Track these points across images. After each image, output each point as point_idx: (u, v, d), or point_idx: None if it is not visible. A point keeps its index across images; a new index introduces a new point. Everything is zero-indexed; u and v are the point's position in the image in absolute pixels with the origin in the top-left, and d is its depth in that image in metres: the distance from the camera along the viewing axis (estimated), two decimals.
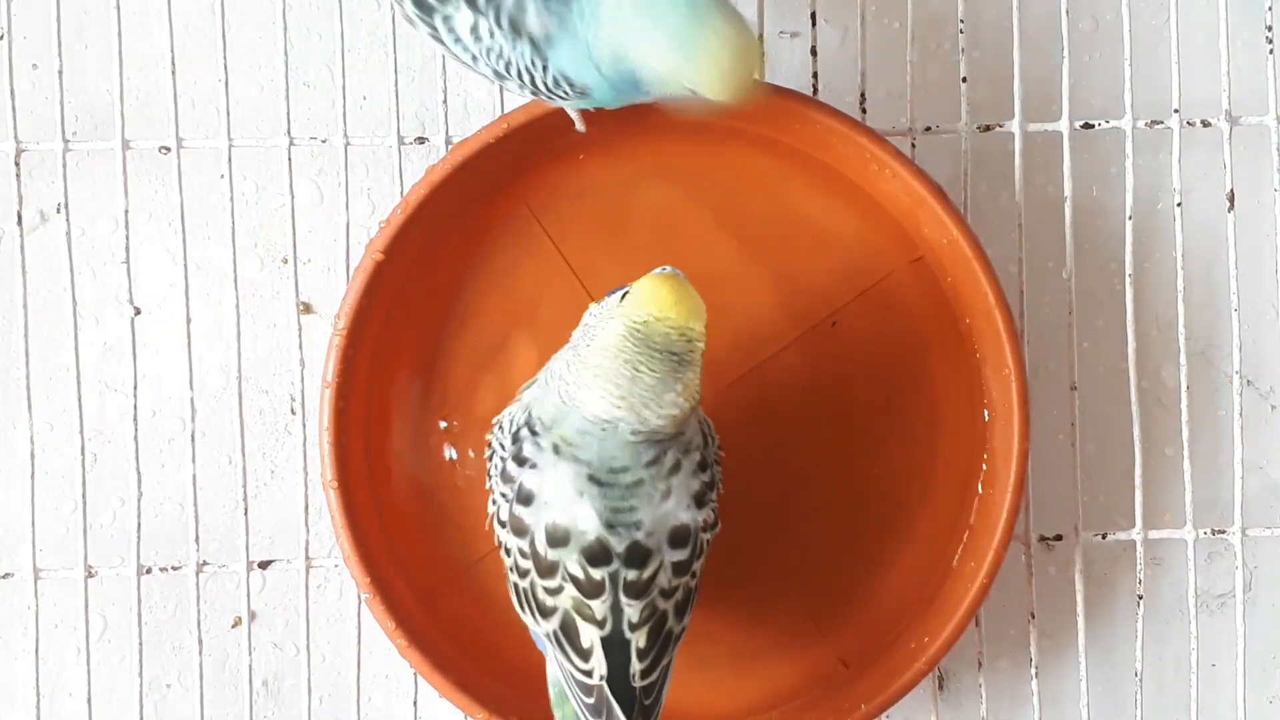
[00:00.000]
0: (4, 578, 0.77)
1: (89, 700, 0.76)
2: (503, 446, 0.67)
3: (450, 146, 0.75)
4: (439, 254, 0.75)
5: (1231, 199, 0.78)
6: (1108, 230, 0.79)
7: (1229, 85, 0.77)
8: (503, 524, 0.66)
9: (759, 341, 0.76)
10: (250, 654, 0.77)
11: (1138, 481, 0.77)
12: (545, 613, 0.66)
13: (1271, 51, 0.78)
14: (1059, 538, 0.78)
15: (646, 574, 0.64)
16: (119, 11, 0.76)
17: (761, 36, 0.78)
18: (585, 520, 0.64)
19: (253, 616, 0.79)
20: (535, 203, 0.75)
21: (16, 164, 0.77)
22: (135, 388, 0.76)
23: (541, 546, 0.65)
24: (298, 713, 0.79)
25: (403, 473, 0.76)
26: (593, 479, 0.64)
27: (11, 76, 0.76)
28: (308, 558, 0.76)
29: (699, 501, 0.66)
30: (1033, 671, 0.77)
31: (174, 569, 0.77)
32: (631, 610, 0.65)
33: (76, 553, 0.76)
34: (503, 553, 0.67)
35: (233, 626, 0.79)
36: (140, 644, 0.76)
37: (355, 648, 0.76)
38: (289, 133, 0.76)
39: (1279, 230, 0.78)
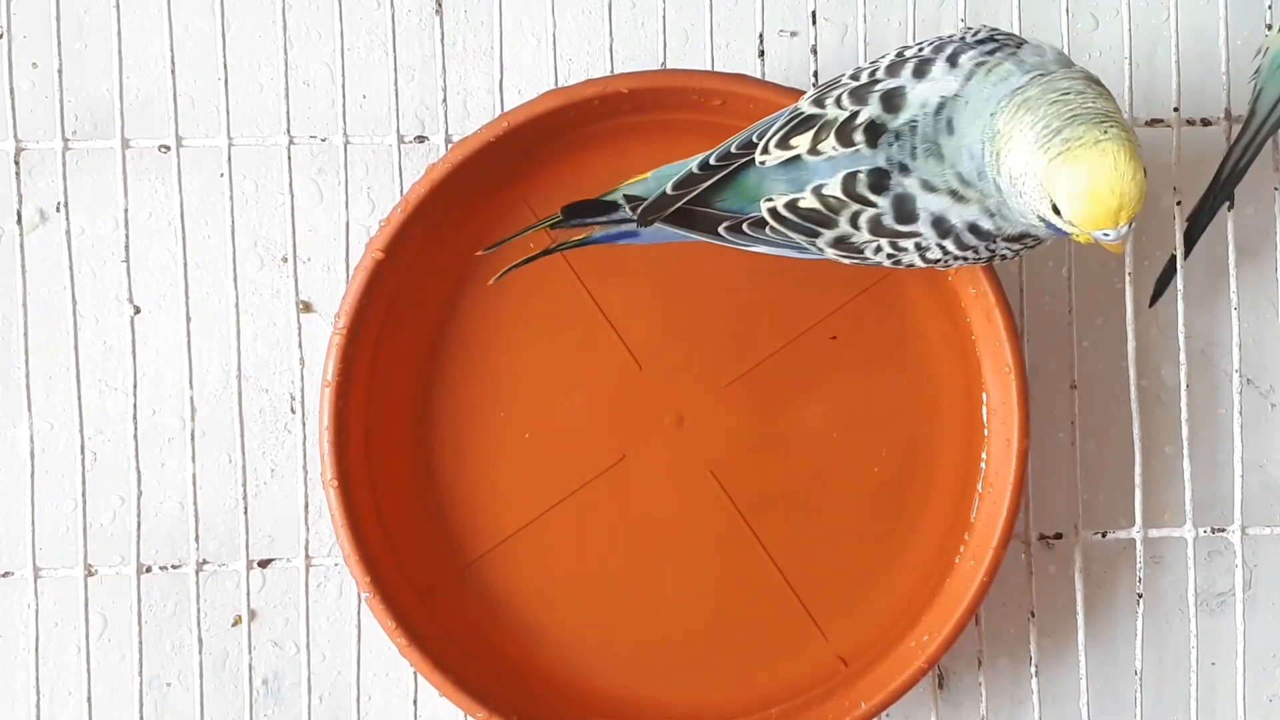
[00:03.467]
0: (4, 576, 0.77)
1: (89, 699, 0.76)
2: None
3: (450, 145, 0.75)
4: (439, 252, 0.75)
5: (1231, 197, 0.78)
6: None
7: (1229, 83, 0.77)
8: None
9: (759, 340, 0.76)
10: (250, 652, 0.77)
11: (1137, 480, 0.77)
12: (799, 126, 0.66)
13: None
14: (1059, 536, 0.78)
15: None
16: (119, 10, 0.76)
17: (762, 35, 0.78)
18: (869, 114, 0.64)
19: (253, 615, 0.79)
20: (536, 201, 0.75)
21: (16, 163, 0.76)
22: (135, 386, 0.76)
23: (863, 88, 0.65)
24: (298, 711, 0.79)
25: (403, 471, 0.76)
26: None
27: (11, 75, 0.76)
28: (307, 556, 0.76)
29: (943, 233, 0.65)
30: (1032, 670, 0.77)
31: (174, 568, 0.77)
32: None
33: (76, 551, 0.76)
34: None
35: (233, 625, 0.79)
36: (140, 643, 0.76)
37: (355, 646, 0.76)
38: (289, 131, 0.76)
39: (1278, 229, 0.78)
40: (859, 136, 0.64)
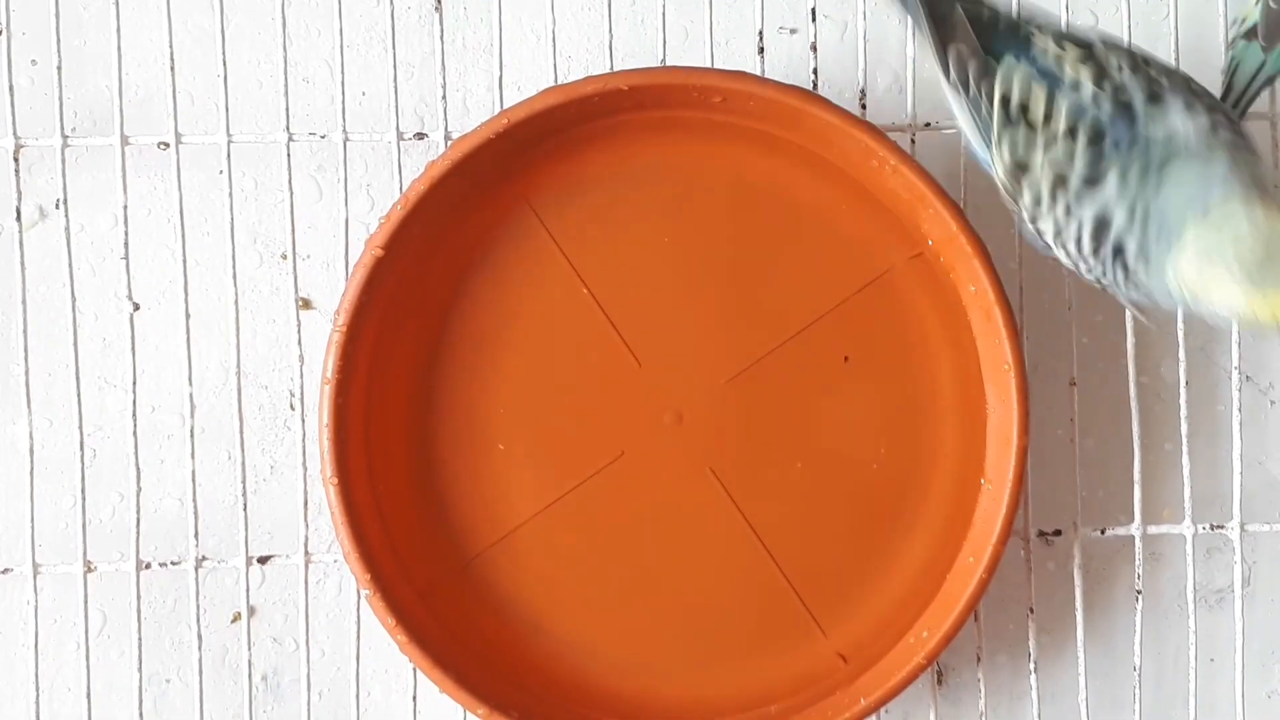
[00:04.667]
0: (3, 573, 0.77)
1: (88, 695, 0.76)
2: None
3: (450, 142, 0.75)
4: (438, 250, 0.75)
5: None
6: None
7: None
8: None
9: (759, 338, 0.76)
10: (249, 649, 0.77)
11: (1136, 477, 0.77)
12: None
13: None
14: (1058, 533, 0.78)
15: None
16: (118, 7, 0.76)
17: (761, 33, 0.78)
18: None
19: (252, 612, 0.79)
20: (535, 198, 0.75)
21: (15, 160, 0.76)
22: (134, 383, 0.76)
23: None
24: (297, 708, 0.79)
25: (403, 468, 0.76)
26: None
27: (11, 72, 0.76)
28: (307, 553, 0.76)
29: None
30: (1031, 666, 0.77)
31: (173, 564, 0.77)
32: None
33: (76, 548, 0.76)
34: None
35: (232, 622, 0.79)
36: (139, 639, 0.76)
37: (355, 643, 0.76)
38: (288, 128, 0.76)
39: None
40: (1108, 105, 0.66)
